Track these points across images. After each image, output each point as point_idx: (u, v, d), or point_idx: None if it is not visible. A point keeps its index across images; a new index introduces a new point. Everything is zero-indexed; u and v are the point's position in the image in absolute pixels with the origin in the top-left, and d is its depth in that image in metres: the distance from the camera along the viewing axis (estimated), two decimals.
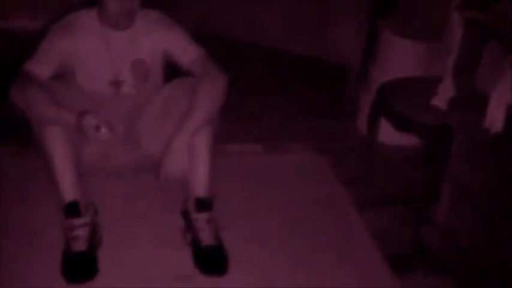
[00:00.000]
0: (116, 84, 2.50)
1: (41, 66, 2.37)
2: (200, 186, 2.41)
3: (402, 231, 2.72)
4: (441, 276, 2.46)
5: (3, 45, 3.99)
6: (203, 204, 2.40)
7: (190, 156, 2.34)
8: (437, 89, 2.75)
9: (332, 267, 2.46)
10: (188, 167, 2.35)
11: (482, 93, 2.57)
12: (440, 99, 2.71)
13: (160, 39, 2.47)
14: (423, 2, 3.46)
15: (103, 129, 2.26)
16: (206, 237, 2.38)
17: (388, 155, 3.25)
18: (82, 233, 2.32)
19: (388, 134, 3.07)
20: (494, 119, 2.39)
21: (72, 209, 2.33)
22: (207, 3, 4.33)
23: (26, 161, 2.85)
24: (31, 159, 2.78)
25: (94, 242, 2.36)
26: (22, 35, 4.04)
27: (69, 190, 2.33)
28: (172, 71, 2.57)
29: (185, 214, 2.46)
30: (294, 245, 2.55)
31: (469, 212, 2.51)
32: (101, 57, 2.44)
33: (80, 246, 2.30)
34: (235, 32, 4.30)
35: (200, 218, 2.40)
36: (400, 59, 3.29)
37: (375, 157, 3.13)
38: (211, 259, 2.37)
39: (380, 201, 2.91)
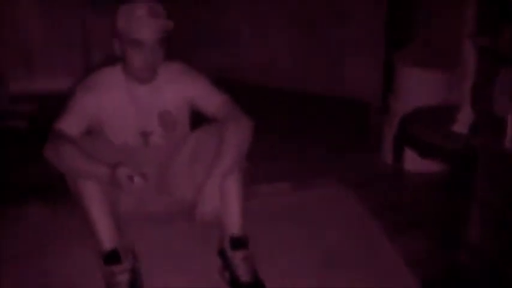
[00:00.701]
0: (145, 135, 2.58)
1: (71, 124, 2.44)
2: (234, 225, 2.46)
3: (435, 255, 2.75)
4: None
5: (32, 108, 4.11)
6: (238, 242, 2.45)
7: (222, 199, 2.39)
8: (457, 115, 2.81)
9: None
10: (221, 209, 2.40)
11: (500, 116, 2.62)
12: (461, 125, 2.78)
13: (184, 89, 2.55)
14: (437, 31, 3.54)
15: (136, 179, 2.30)
16: (244, 274, 2.43)
17: (414, 182, 3.30)
18: (123, 278, 2.38)
19: (413, 162, 3.13)
20: None
21: (112, 256, 2.39)
22: (222, 51, 4.44)
23: (60, 217, 2.94)
24: (65, 215, 2.90)
25: (136, 287, 2.42)
26: (47, 95, 4.17)
27: (108, 238, 2.39)
28: (198, 117, 2.65)
29: (222, 253, 2.51)
30: (330, 278, 2.58)
31: (497, 231, 2.54)
32: (128, 111, 2.52)
33: None
34: (252, 77, 4.39)
35: (237, 256, 2.44)
36: (419, 89, 3.36)
37: (401, 185, 3.18)
38: None
39: (410, 227, 2.95)
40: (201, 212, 2.38)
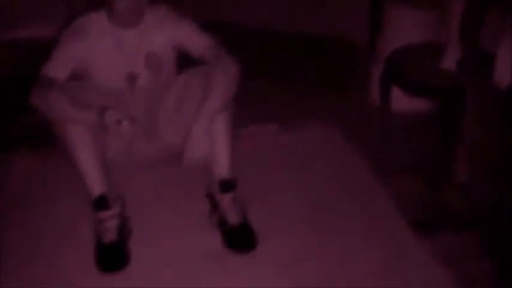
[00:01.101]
0: (132, 78, 2.55)
1: (57, 70, 2.43)
2: (223, 169, 2.46)
3: (423, 195, 2.77)
4: (467, 232, 2.51)
5: (15, 56, 4.06)
6: (227, 185, 2.46)
7: (211, 141, 2.39)
8: (445, 52, 2.79)
9: (359, 236, 2.51)
10: (209, 152, 2.39)
11: (488, 53, 2.61)
12: (449, 62, 2.76)
13: (170, 32, 2.52)
14: None
15: (124, 123, 2.30)
16: (232, 217, 2.45)
17: (402, 122, 3.29)
18: (112, 224, 2.40)
19: (400, 102, 3.12)
20: (502, 75, 2.43)
21: (101, 202, 2.40)
22: None
23: (49, 165, 2.93)
24: (53, 162, 2.88)
25: (124, 232, 2.44)
26: (31, 44, 4.11)
27: (96, 184, 2.40)
28: (185, 60, 2.62)
29: (210, 197, 2.53)
30: (319, 217, 2.61)
31: (485, 170, 2.55)
32: (114, 54, 2.49)
33: (110, 237, 2.38)
34: (237, 18, 4.35)
35: (225, 199, 2.46)
36: (406, 28, 3.32)
37: (389, 125, 3.18)
38: (240, 237, 2.44)
39: (399, 168, 2.96)
40: (188, 157, 2.37)
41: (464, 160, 2.68)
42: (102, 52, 2.48)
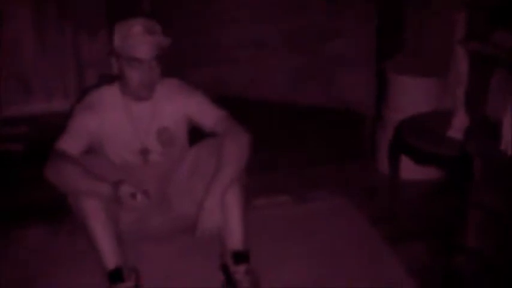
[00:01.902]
0: (144, 153, 2.58)
1: (71, 144, 2.45)
2: (236, 240, 2.46)
3: (434, 262, 2.77)
4: None
5: (28, 130, 4.12)
6: (240, 257, 2.45)
7: (224, 213, 2.39)
8: (451, 121, 2.83)
9: None
10: (222, 223, 2.40)
11: (495, 119, 2.65)
12: (456, 130, 2.80)
13: (182, 105, 2.56)
14: (427, 38, 3.57)
15: (139, 196, 2.31)
16: None
17: (411, 191, 3.32)
18: None
19: (409, 170, 3.15)
20: (509, 141, 2.46)
21: (116, 275, 2.39)
22: (216, 68, 4.46)
23: (61, 237, 2.94)
24: (66, 234, 2.92)
25: None
26: (43, 119, 4.18)
27: (111, 257, 2.40)
28: (196, 132, 2.66)
29: (224, 268, 2.51)
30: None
31: (497, 235, 2.55)
32: (127, 129, 2.53)
33: None
34: (242, 91, 4.41)
35: (239, 271, 2.45)
36: (411, 96, 3.39)
37: (399, 193, 3.20)
38: None
39: (409, 236, 2.97)
40: (202, 228, 2.38)
41: (473, 226, 2.67)
42: (115, 126, 2.52)
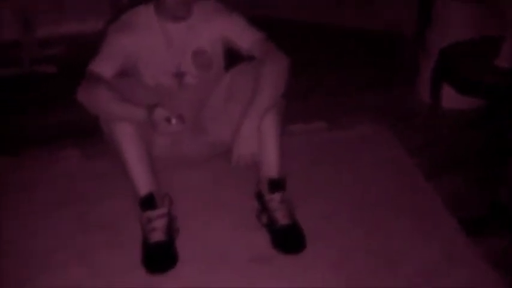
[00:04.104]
0: (179, 75, 2.53)
1: (105, 66, 2.39)
2: (272, 168, 2.42)
3: (474, 194, 2.70)
4: None
5: (61, 51, 4.09)
6: (276, 185, 2.43)
7: (260, 139, 2.35)
8: (500, 48, 2.70)
9: (408, 235, 2.46)
10: (258, 150, 2.36)
11: None
12: (504, 59, 2.67)
13: (218, 27, 2.48)
14: None
15: (174, 121, 2.26)
16: (281, 217, 2.41)
17: (453, 120, 3.23)
18: (159, 224, 2.37)
19: (451, 99, 3.04)
20: None
21: (148, 202, 2.38)
22: None
23: (95, 161, 2.93)
24: (99, 159, 2.90)
25: (172, 232, 2.41)
26: (77, 39, 4.14)
27: (144, 183, 2.38)
28: (233, 57, 2.59)
29: (259, 196, 2.49)
30: (367, 216, 2.56)
31: None
32: (162, 50, 2.47)
33: (158, 236, 2.36)
34: (285, 12, 4.31)
35: (274, 199, 2.42)
36: (458, 20, 3.25)
37: (440, 122, 3.11)
38: (289, 238, 2.40)
39: (449, 166, 2.90)
40: (237, 155, 2.33)
41: None
42: (150, 47, 2.45)
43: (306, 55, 3.87)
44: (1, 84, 3.73)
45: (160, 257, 2.34)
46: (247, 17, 2.54)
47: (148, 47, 2.45)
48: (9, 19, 4.10)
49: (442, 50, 2.90)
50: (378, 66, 3.89)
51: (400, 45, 3.93)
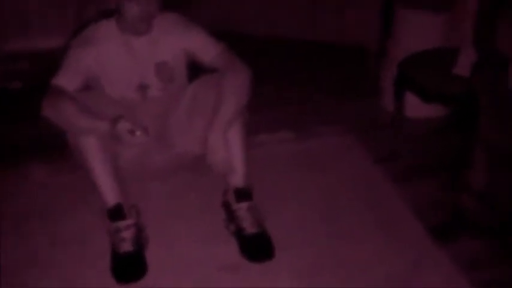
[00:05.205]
0: (143, 88, 2.53)
1: (68, 80, 2.40)
2: (238, 177, 2.44)
3: (439, 201, 2.75)
4: (484, 239, 2.49)
5: (25, 66, 4.07)
6: (243, 194, 2.45)
7: (226, 150, 2.36)
8: (458, 57, 2.77)
9: (376, 243, 2.49)
10: (226, 160, 2.37)
11: (503, 55, 2.59)
12: (462, 67, 2.73)
13: (180, 39, 2.49)
14: None
15: (138, 133, 2.28)
16: (249, 226, 2.43)
17: (416, 128, 3.28)
18: (128, 234, 2.38)
19: (413, 108, 3.10)
20: None
21: (116, 213, 2.39)
22: (219, 2, 4.37)
23: (63, 175, 2.92)
24: (67, 172, 2.88)
25: (140, 242, 2.42)
26: (41, 55, 4.12)
27: (111, 194, 2.39)
28: (195, 68, 2.60)
29: (226, 206, 2.50)
30: (335, 225, 2.59)
31: (503, 174, 2.53)
32: (125, 63, 2.48)
33: (127, 247, 2.37)
34: (249, 27, 4.34)
35: (241, 208, 2.44)
36: (417, 31, 3.30)
37: (403, 131, 3.16)
38: (257, 246, 2.42)
39: (414, 173, 2.94)
40: (213, 162, 2.35)
41: (482, 166, 2.64)
42: (113, 60, 2.46)
43: (271, 67, 3.90)
44: None
45: (129, 267, 2.35)
46: (213, 31, 2.56)
47: (110, 60, 2.45)
48: None
49: (403, 60, 2.96)
50: (342, 77, 3.94)
51: (364, 57, 3.98)
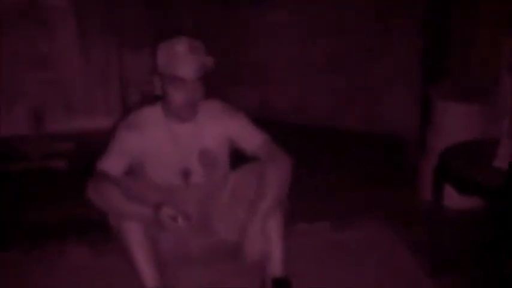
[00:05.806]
0: (186, 174, 2.57)
1: (113, 164, 2.47)
2: (276, 267, 2.44)
3: None
4: None
5: (69, 148, 4.16)
6: (281, 284, 2.44)
7: (264, 240, 2.37)
8: (497, 150, 2.77)
9: None
10: (265, 250, 2.38)
11: None
12: (501, 160, 2.73)
13: (224, 127, 2.54)
14: (473, 65, 3.51)
15: (180, 219, 2.31)
16: None
17: (454, 220, 3.26)
18: None
19: (452, 199, 3.09)
20: None
21: None
22: (258, 89, 4.47)
23: (104, 257, 2.95)
24: (109, 255, 2.91)
25: None
26: (86, 136, 4.21)
27: (150, 279, 2.42)
28: (238, 155, 2.64)
29: None
30: None
31: None
32: (169, 149, 2.52)
33: None
34: (288, 116, 4.41)
35: None
36: (456, 123, 3.33)
37: (441, 222, 3.14)
38: None
39: (451, 265, 2.91)
40: (250, 253, 2.35)
41: None
42: (157, 146, 2.51)
43: (310, 158, 3.93)
44: (11, 178, 3.79)
45: None
46: (252, 118, 2.61)
47: (155, 146, 2.51)
48: (21, 115, 4.20)
49: (442, 152, 2.97)
50: (380, 168, 3.95)
51: (402, 147, 4.00)
